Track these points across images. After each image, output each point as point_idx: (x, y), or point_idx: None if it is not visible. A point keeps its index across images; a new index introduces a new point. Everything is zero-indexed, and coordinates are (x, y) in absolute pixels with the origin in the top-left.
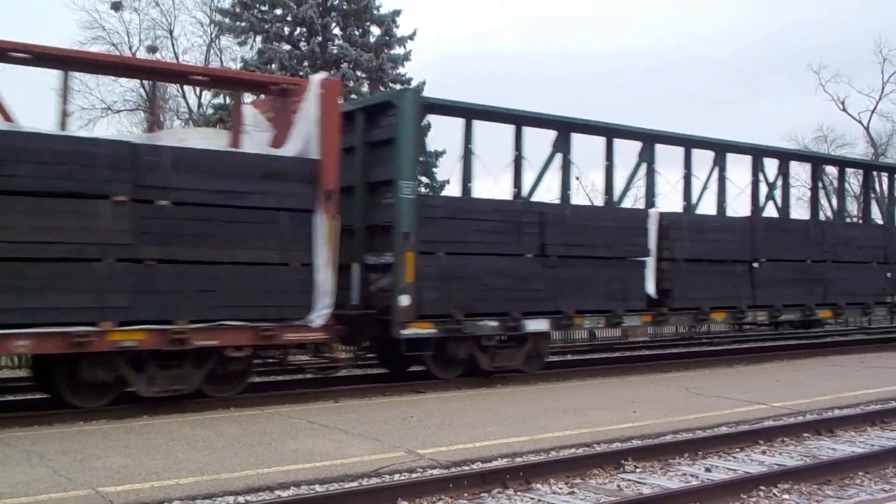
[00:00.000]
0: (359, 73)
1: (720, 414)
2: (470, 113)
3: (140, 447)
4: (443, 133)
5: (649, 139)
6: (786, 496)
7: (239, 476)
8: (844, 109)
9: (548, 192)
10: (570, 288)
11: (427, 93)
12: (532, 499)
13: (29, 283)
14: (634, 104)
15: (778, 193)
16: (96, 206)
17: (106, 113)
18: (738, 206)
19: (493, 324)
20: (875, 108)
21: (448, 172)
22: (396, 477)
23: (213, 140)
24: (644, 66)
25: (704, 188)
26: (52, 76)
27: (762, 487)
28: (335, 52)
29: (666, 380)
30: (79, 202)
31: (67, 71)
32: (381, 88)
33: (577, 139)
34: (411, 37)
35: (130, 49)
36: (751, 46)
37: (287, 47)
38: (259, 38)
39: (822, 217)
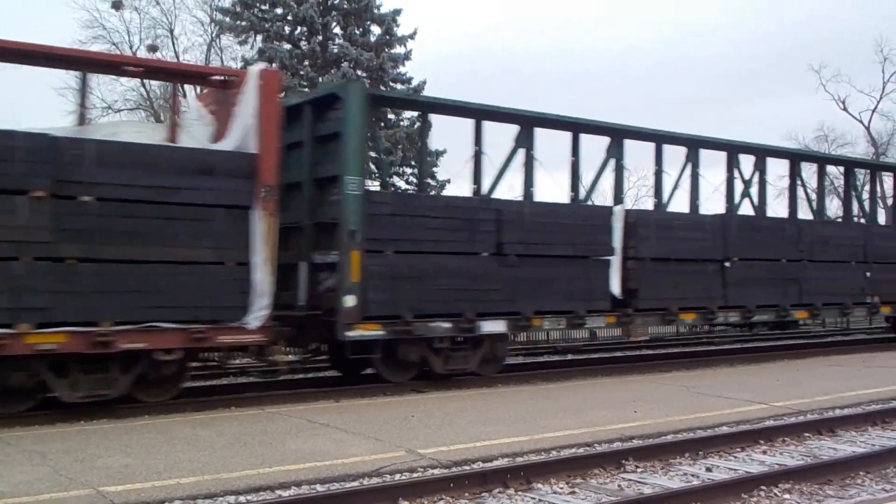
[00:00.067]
0: (359, 73)
1: (721, 413)
2: (425, 107)
3: (141, 447)
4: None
5: (617, 134)
6: (787, 496)
7: (240, 476)
8: (845, 109)
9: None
10: (529, 288)
11: (428, 92)
12: (533, 498)
13: None
14: (635, 103)
15: (754, 191)
16: (13, 202)
17: (106, 112)
18: (715, 204)
19: (446, 325)
20: (876, 108)
21: (448, 172)
22: (397, 476)
23: (147, 134)
24: (645, 65)
25: (676, 186)
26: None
27: (763, 487)
28: (336, 51)
29: (666, 379)
30: None
31: None
32: (382, 87)
33: (545, 135)
34: (412, 36)
35: (131, 48)
36: (751, 46)
37: (287, 46)
38: (259, 38)
39: (806, 216)
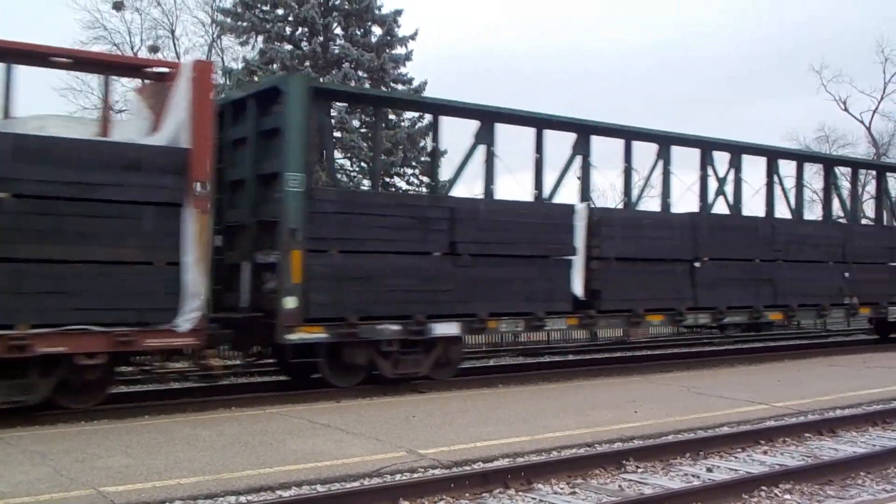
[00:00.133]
0: (360, 73)
1: (721, 414)
2: (375, 101)
3: (141, 447)
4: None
5: (583, 131)
6: (787, 496)
7: (240, 476)
8: (846, 109)
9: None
10: (485, 289)
11: (428, 92)
12: (533, 499)
13: None
14: (635, 104)
15: (730, 189)
16: None
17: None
18: (692, 203)
19: (395, 328)
20: (877, 108)
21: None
22: (398, 477)
23: (75, 128)
24: (645, 65)
25: (646, 184)
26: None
27: (763, 487)
28: (337, 51)
29: (667, 380)
30: None
31: None
32: (383, 88)
33: (513, 131)
34: (413, 36)
35: (132, 49)
36: (752, 47)
37: (289, 47)
38: (260, 38)
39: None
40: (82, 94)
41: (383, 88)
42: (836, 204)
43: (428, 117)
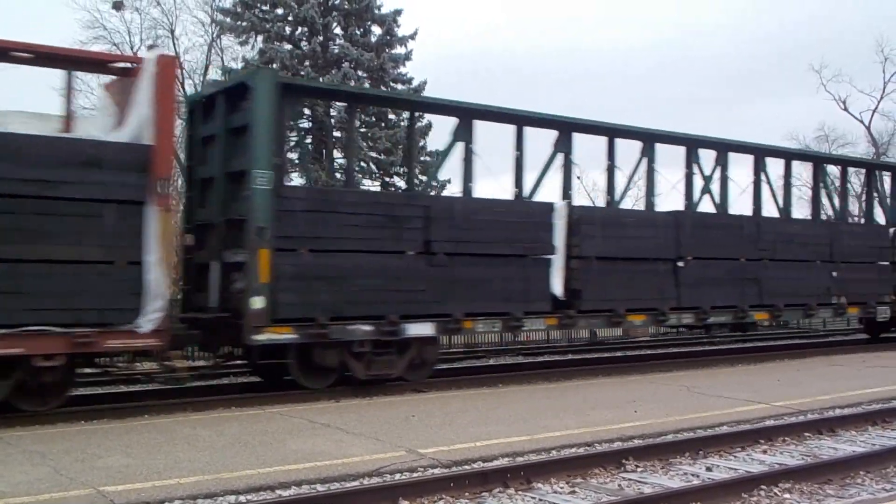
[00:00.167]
0: (360, 73)
1: (721, 413)
2: (349, 97)
3: (141, 447)
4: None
5: (565, 128)
6: (787, 495)
7: (240, 475)
8: (846, 109)
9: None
10: (461, 289)
11: (428, 92)
12: (533, 498)
13: None
14: (635, 104)
15: (716, 187)
16: None
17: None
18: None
19: (367, 328)
20: (876, 108)
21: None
22: (398, 476)
23: (35, 125)
24: (645, 65)
25: (629, 182)
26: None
27: (763, 487)
28: (336, 51)
29: (667, 379)
30: None
31: None
32: (383, 88)
33: (495, 129)
34: (412, 36)
35: (132, 48)
36: (752, 46)
37: (288, 47)
38: (260, 38)
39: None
40: (82, 95)
41: (383, 88)
42: (838, 203)
43: (428, 117)
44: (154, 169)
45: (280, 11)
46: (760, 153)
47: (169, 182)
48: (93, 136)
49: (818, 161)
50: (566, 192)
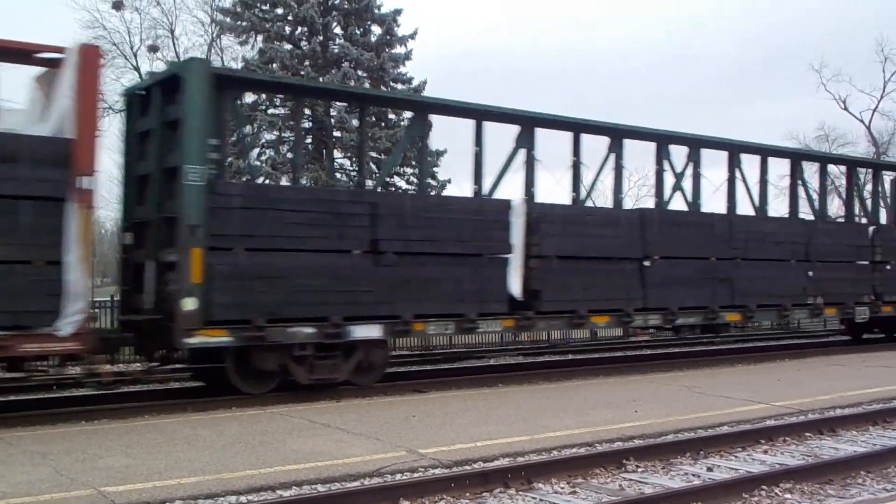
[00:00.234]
0: (360, 73)
1: (722, 413)
2: (291, 89)
3: (142, 447)
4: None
5: (528, 122)
6: (788, 495)
7: (241, 476)
8: (846, 108)
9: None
10: (411, 289)
11: (428, 91)
12: (534, 498)
13: None
14: (635, 103)
15: (688, 184)
16: None
17: (107, 112)
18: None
19: (308, 330)
20: (877, 107)
21: (449, 172)
22: (398, 476)
23: None
24: (645, 63)
25: (596, 179)
26: None
27: (764, 487)
28: (336, 51)
29: (667, 379)
30: None
31: None
32: (383, 87)
33: (454, 124)
34: (412, 36)
35: (132, 48)
36: (751, 46)
37: (288, 47)
38: (260, 38)
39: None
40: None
41: (382, 88)
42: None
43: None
44: (75, 164)
45: (280, 11)
46: (735, 149)
47: (92, 177)
48: (11, 129)
49: (795, 158)
50: (528, 189)
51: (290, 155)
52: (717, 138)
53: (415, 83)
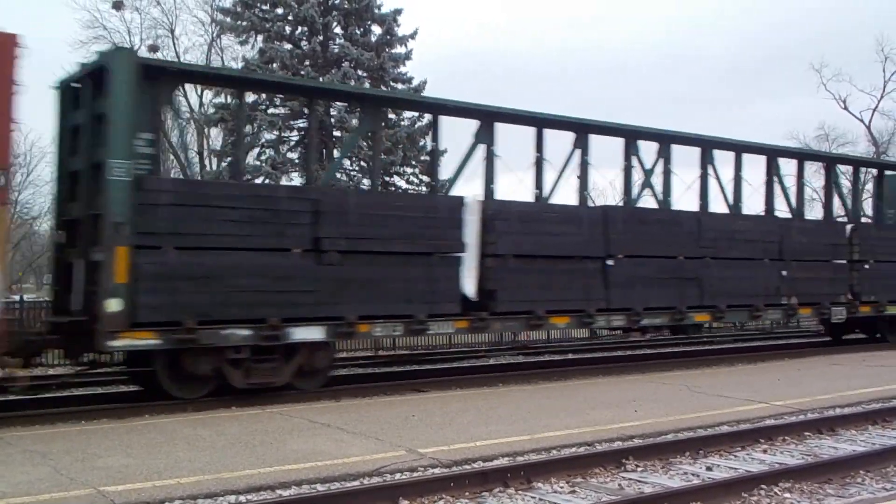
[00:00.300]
0: (360, 72)
1: (721, 413)
2: (231, 82)
3: (141, 447)
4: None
5: (487, 117)
6: (787, 495)
7: (240, 475)
8: (846, 108)
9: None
10: (355, 289)
11: (428, 91)
12: (533, 498)
13: None
14: (635, 102)
15: (658, 181)
16: None
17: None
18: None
19: (244, 333)
20: (877, 107)
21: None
22: (398, 476)
23: None
24: (644, 62)
25: (560, 176)
26: None
27: (763, 486)
28: (336, 51)
29: (667, 379)
30: None
31: None
32: (383, 87)
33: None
34: (412, 35)
35: (132, 48)
36: (751, 46)
37: (288, 46)
38: (260, 38)
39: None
40: None
41: (382, 87)
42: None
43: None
44: None
45: (280, 11)
46: (707, 145)
47: (6, 173)
48: None
49: (771, 154)
50: (488, 186)
51: (290, 155)
52: (687, 134)
53: (415, 83)
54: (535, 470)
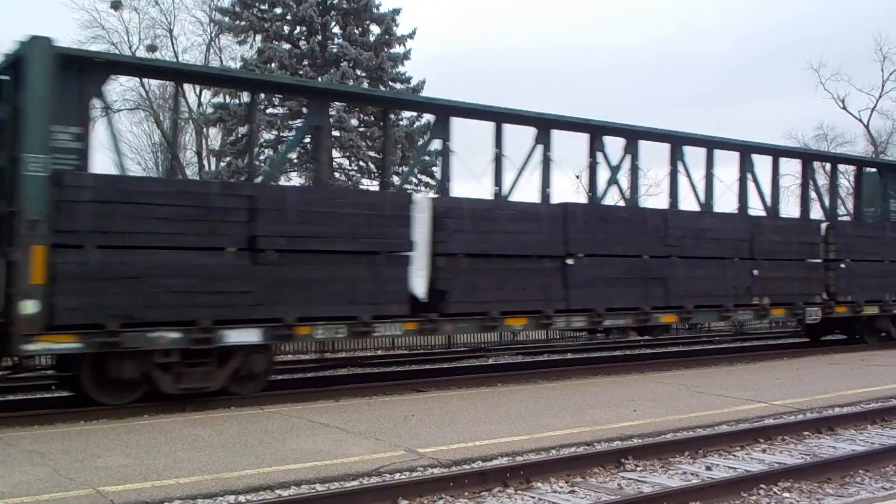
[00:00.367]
0: (359, 72)
1: (720, 412)
2: (169, 75)
3: (141, 447)
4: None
5: (441, 111)
6: (786, 494)
7: (240, 475)
8: (845, 108)
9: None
10: (295, 290)
11: (427, 91)
12: (533, 497)
13: None
14: (635, 102)
15: (625, 177)
16: None
17: (105, 112)
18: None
19: (173, 335)
20: (875, 107)
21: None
22: (397, 476)
23: None
24: (643, 62)
25: (520, 173)
26: None
27: (763, 486)
28: (335, 50)
29: (666, 378)
30: None
31: None
32: (382, 87)
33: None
34: (411, 35)
35: (130, 48)
36: (750, 46)
37: (287, 46)
38: (259, 37)
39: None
40: None
41: (382, 87)
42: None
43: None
44: None
45: (278, 11)
46: (677, 141)
47: None
48: None
49: (745, 151)
50: (443, 184)
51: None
52: (656, 129)
53: (413, 82)
54: (535, 470)
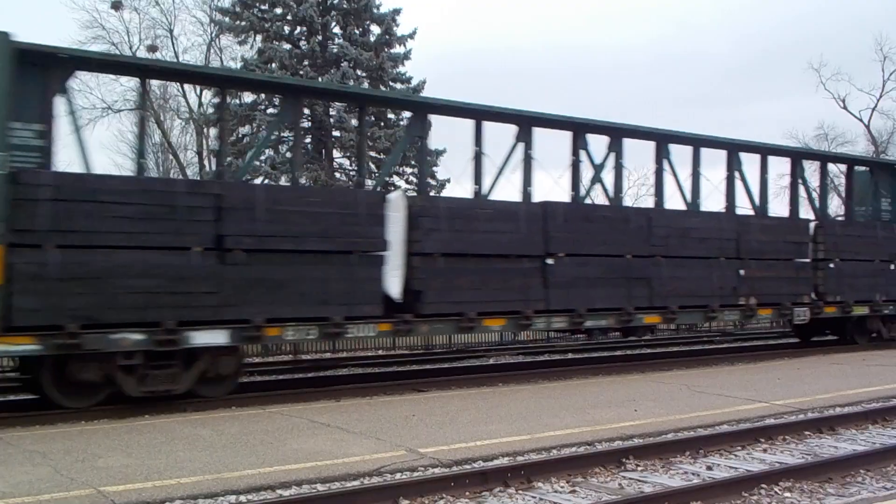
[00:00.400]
0: (359, 72)
1: (721, 412)
2: (137, 70)
3: (142, 446)
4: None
5: (420, 109)
6: (787, 494)
7: (241, 475)
8: (845, 107)
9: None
10: (263, 290)
11: (427, 92)
12: (533, 497)
13: None
14: (635, 102)
15: (609, 177)
16: None
17: (106, 112)
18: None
19: (136, 337)
20: (876, 106)
21: (448, 171)
22: (398, 476)
23: None
24: (645, 63)
25: (500, 171)
26: None
27: (763, 485)
28: (335, 51)
29: (667, 378)
30: None
31: None
32: (382, 87)
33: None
34: (411, 35)
35: (131, 48)
36: (751, 45)
37: (287, 46)
38: (259, 38)
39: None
40: (80, 94)
41: (382, 87)
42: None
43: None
44: None
45: (279, 11)
46: (663, 139)
47: None
48: None
49: (732, 149)
50: (421, 182)
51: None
52: (640, 127)
53: (414, 82)
54: (536, 469)
